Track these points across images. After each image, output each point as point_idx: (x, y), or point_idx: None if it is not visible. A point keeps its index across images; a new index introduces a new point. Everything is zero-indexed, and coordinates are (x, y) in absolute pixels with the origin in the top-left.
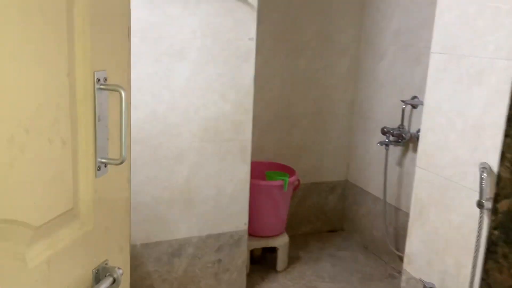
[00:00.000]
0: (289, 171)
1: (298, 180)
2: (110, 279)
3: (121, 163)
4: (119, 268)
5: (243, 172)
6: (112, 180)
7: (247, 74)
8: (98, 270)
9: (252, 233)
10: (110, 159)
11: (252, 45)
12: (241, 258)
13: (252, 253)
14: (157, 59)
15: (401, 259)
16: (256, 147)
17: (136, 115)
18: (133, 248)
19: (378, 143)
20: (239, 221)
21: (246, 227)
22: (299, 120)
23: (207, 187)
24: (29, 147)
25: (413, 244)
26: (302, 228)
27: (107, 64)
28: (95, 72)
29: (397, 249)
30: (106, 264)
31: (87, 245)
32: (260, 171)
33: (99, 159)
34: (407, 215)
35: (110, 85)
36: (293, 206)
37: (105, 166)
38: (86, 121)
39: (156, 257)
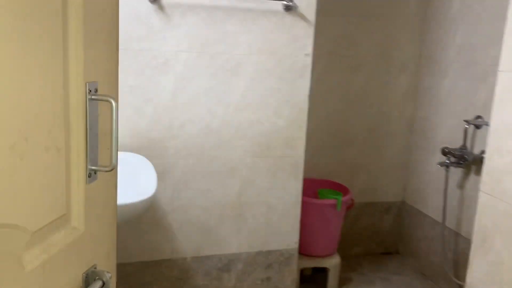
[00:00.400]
0: (343, 190)
1: (352, 200)
2: (100, 283)
3: (112, 170)
4: (108, 272)
5: (295, 189)
6: (101, 187)
7: (302, 90)
8: (87, 274)
9: (303, 252)
10: (101, 166)
11: (308, 61)
12: (291, 277)
13: (302, 272)
14: (213, 74)
15: None
16: (309, 164)
17: (192, 129)
18: (183, 261)
19: (438, 164)
20: (290, 239)
21: (296, 245)
22: (354, 138)
23: (258, 203)
24: (28, 155)
25: (475, 274)
26: (355, 249)
27: (98, 76)
28: (87, 83)
29: (457, 277)
30: (95, 268)
31: (78, 249)
32: (313, 188)
33: (90, 167)
34: (468, 241)
35: (102, 96)
36: (345, 226)
37: (95, 173)
38: (78, 130)
39: (206, 271)
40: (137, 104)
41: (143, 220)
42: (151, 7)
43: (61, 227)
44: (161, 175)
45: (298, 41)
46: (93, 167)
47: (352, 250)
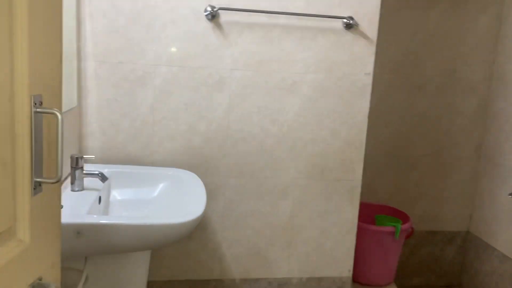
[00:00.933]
0: (402, 217)
1: (412, 228)
2: None
3: (57, 182)
4: (53, 283)
5: (351, 214)
6: (46, 199)
7: (361, 111)
8: (33, 286)
9: (357, 280)
10: (46, 178)
11: (369, 80)
12: None
13: None
14: (268, 92)
15: None
16: (366, 188)
17: (244, 148)
18: (231, 282)
19: (510, 194)
20: (343, 267)
21: (350, 273)
22: (417, 162)
23: (311, 227)
24: None
25: None
26: (413, 280)
27: (42, 89)
28: (32, 96)
29: None
30: (40, 280)
31: (24, 262)
32: (369, 214)
33: (35, 179)
34: None
35: (47, 108)
36: (404, 255)
37: (40, 185)
38: (23, 143)
39: None
40: (191, 121)
41: (192, 238)
42: (208, 25)
43: (7, 240)
44: (212, 194)
45: (358, 60)
46: (38, 179)
47: (411, 281)
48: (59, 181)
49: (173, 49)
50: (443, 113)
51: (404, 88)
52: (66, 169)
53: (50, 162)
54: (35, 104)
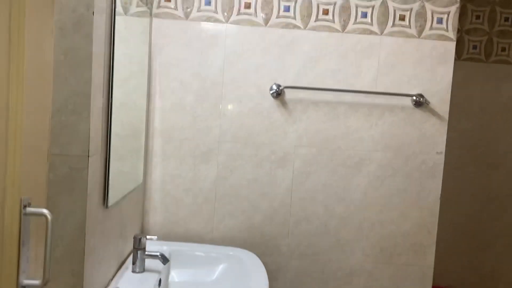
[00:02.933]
0: None
1: None
2: None
3: (45, 285)
4: None
5: None
6: None
7: (433, 192)
8: None
9: None
10: (32, 280)
11: (441, 160)
12: None
13: None
14: (333, 170)
15: None
16: (436, 271)
17: (307, 227)
18: None
19: None
20: None
21: None
22: (492, 243)
23: None
24: None
25: None
26: None
27: (31, 189)
28: (22, 198)
29: None
30: None
31: None
32: None
33: (21, 281)
34: None
35: (37, 210)
36: None
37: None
38: (12, 245)
39: None
40: (253, 198)
41: None
42: (273, 102)
43: None
44: (272, 274)
45: (429, 138)
46: (24, 282)
47: None
48: (46, 284)
49: (229, 107)
50: None
51: (476, 164)
52: (129, 247)
53: (37, 263)
54: (25, 206)
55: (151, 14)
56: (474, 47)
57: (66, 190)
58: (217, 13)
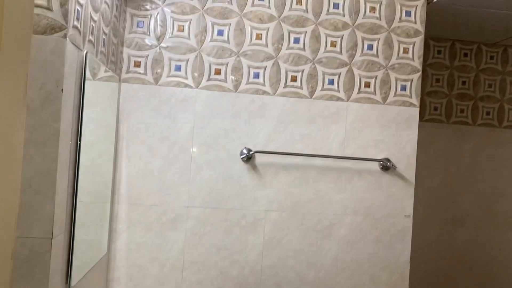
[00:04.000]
0: None
1: None
2: None
3: None
4: None
5: None
6: None
7: (402, 254)
8: None
9: None
10: None
11: (409, 223)
12: None
13: None
14: (303, 235)
15: None
16: None
17: None
18: None
19: None
20: None
21: None
22: None
23: None
24: None
25: None
26: None
27: None
28: None
29: None
30: None
31: None
32: None
33: None
34: None
35: None
36: None
37: None
38: None
39: None
40: (223, 266)
41: None
42: (244, 166)
43: None
44: None
45: (396, 202)
46: None
47: None
48: None
49: (194, 150)
50: (485, 248)
51: (441, 222)
52: None
53: None
54: None
55: (119, 80)
56: (435, 109)
57: (26, 275)
58: (187, 78)
